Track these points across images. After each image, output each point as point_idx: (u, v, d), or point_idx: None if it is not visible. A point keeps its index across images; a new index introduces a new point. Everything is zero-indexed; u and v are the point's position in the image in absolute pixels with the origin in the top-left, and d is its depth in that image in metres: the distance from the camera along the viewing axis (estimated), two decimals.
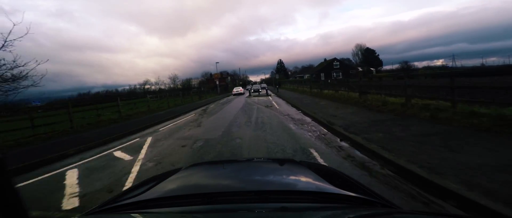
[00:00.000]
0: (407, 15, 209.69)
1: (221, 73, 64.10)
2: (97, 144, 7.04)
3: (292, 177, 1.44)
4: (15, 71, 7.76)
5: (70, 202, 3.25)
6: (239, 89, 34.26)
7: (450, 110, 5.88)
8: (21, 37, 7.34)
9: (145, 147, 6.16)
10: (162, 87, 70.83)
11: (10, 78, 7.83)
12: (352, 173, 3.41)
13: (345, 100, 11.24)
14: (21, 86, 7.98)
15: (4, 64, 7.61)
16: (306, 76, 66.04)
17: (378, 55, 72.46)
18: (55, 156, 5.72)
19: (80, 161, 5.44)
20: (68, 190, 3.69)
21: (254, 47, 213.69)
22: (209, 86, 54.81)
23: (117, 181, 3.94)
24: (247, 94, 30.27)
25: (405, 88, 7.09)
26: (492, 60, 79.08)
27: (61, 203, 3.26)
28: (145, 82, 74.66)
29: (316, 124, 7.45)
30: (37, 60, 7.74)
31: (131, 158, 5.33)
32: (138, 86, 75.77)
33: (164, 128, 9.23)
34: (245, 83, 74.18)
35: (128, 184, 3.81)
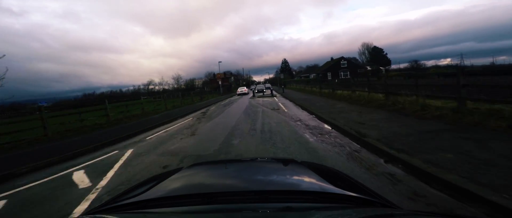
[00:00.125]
0: (413, 14, 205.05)
1: (225, 73, 62.77)
2: (61, 159, 5.56)
3: (294, 177, 1.40)
4: None
5: None
6: (244, 89, 34.87)
7: None
8: None
9: (115, 167, 4.64)
10: (166, 87, 70.06)
11: None
12: None
13: (367, 103, 9.54)
14: None
15: None
16: (312, 75, 63.66)
17: (386, 54, 69.96)
18: None
19: (19, 187, 3.96)
20: None
21: (257, 47, 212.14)
22: (212, 87, 53.71)
23: None
24: (251, 94, 28.83)
25: (459, 88, 5.37)
26: (502, 59, 75.49)
27: None
28: (149, 83, 74.25)
29: (339, 134, 5.82)
30: None
31: (89, 184, 3.82)
32: (142, 87, 75.33)
33: (152, 136, 7.72)
34: (248, 83, 72.56)
35: None
